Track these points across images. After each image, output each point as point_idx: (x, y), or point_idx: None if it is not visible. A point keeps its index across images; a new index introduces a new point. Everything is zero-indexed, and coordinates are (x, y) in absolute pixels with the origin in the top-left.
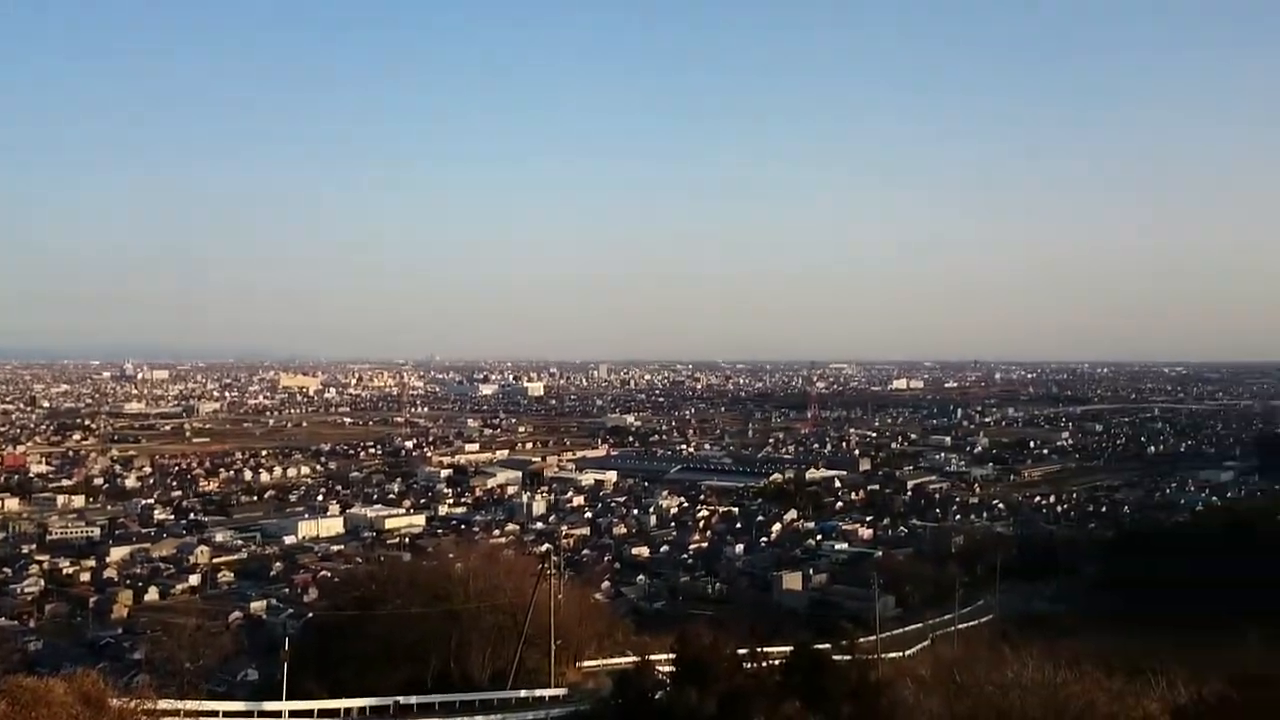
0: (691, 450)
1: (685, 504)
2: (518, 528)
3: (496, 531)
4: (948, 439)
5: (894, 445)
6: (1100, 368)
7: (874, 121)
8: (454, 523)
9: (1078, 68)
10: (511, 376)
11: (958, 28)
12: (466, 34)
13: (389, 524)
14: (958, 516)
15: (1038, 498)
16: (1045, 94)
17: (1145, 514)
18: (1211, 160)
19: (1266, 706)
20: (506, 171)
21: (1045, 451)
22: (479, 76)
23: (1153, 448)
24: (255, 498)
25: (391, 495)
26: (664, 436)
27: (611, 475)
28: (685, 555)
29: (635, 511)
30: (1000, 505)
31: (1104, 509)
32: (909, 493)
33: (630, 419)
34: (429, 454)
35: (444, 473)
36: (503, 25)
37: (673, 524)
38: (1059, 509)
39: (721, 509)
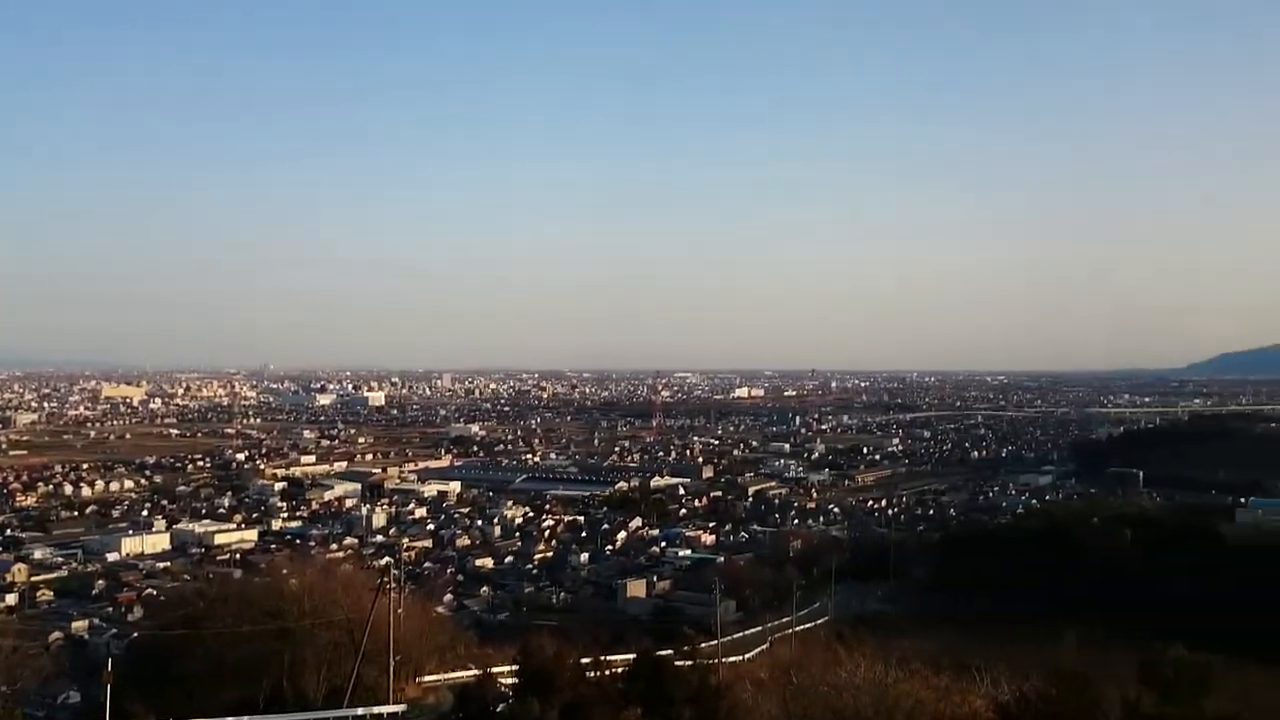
0: (537, 460)
1: (530, 514)
2: (356, 541)
3: (334, 546)
4: (787, 446)
5: (736, 452)
6: (928, 376)
7: (707, 129)
8: (288, 537)
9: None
10: (351, 386)
11: None
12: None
13: (219, 539)
14: (796, 521)
15: (870, 501)
16: (859, 104)
17: (970, 517)
18: (1027, 178)
19: (1080, 702)
20: (334, 172)
21: (878, 457)
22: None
23: (976, 453)
24: (76, 513)
25: (221, 510)
26: (509, 446)
27: (455, 486)
28: (530, 566)
29: (479, 522)
30: (836, 509)
31: (932, 512)
32: (750, 499)
33: (475, 429)
34: (262, 466)
35: (278, 486)
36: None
37: (518, 534)
38: (890, 512)
39: (567, 518)
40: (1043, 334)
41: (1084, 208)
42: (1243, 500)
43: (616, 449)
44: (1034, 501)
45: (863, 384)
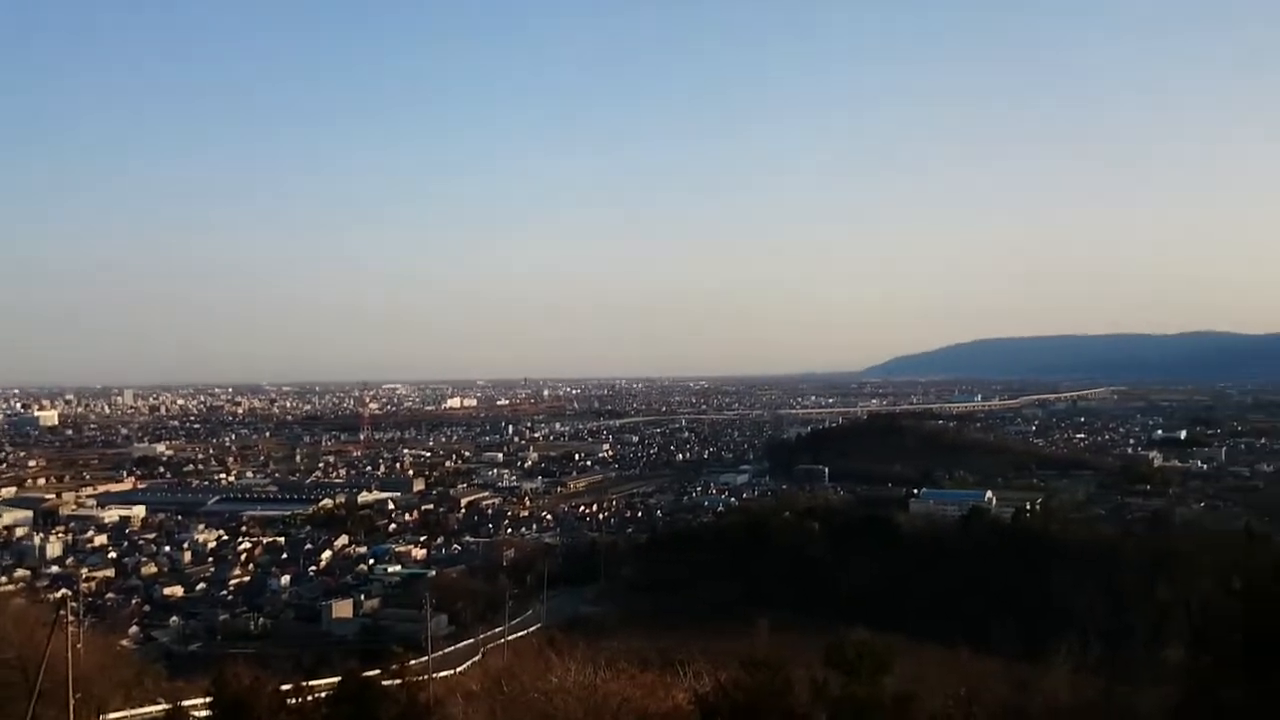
0: (232, 479)
1: (225, 537)
2: (29, 573)
3: (3, 578)
4: (500, 455)
5: (448, 464)
6: (636, 383)
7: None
8: None
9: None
10: (19, 404)
11: None
12: None
13: None
14: (509, 530)
15: (582, 507)
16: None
17: (675, 517)
18: (720, 197)
19: (772, 688)
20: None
21: (589, 463)
22: None
23: (681, 455)
24: None
25: None
26: (200, 466)
27: (140, 510)
28: (225, 592)
29: (168, 548)
30: (548, 516)
31: (640, 514)
32: (463, 510)
33: (161, 448)
34: None
35: None
36: None
37: (210, 559)
38: (601, 516)
39: (266, 540)
40: (740, 341)
41: (760, 224)
42: (915, 491)
43: (320, 465)
44: (732, 500)
45: (574, 391)
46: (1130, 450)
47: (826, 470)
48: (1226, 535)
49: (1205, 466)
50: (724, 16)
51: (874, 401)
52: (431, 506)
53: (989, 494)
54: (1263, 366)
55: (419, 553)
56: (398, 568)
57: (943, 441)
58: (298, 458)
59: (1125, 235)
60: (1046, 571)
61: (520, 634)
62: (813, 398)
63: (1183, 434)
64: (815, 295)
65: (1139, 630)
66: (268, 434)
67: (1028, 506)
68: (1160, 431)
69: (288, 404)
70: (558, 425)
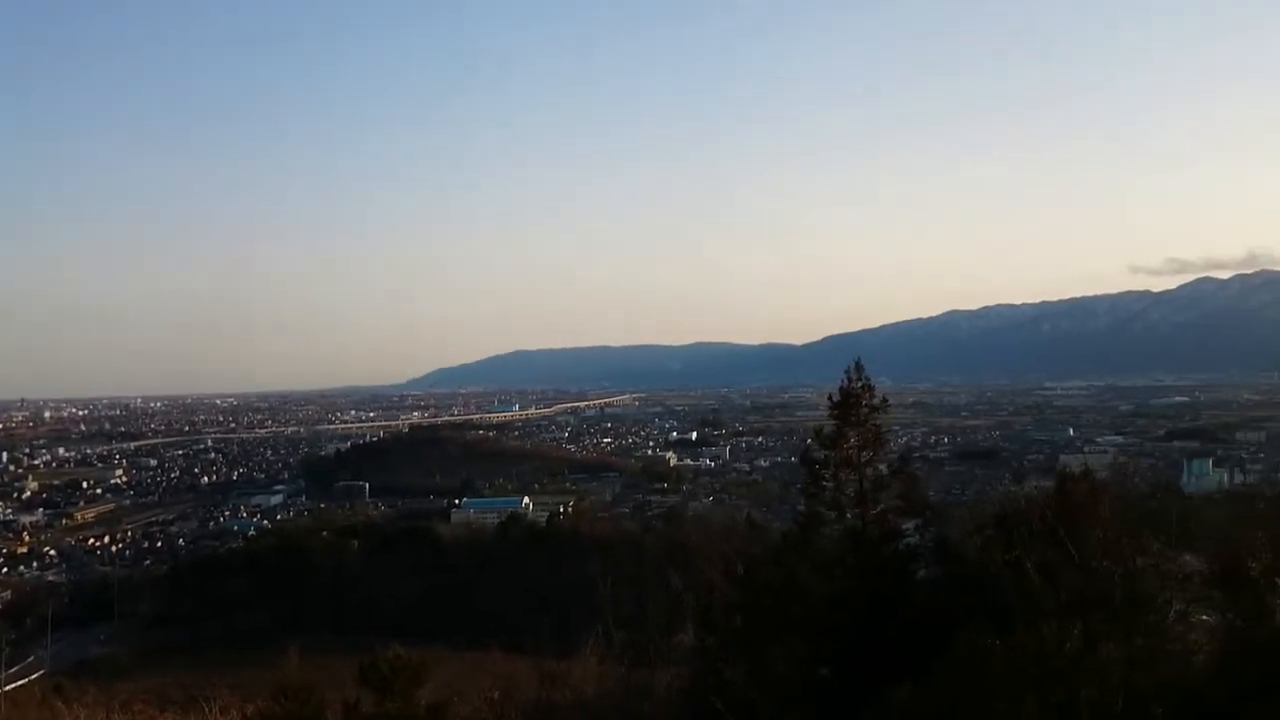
0: None
1: None
2: None
3: None
4: None
5: None
6: (154, 401)
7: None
8: None
9: None
10: None
11: None
12: None
13: None
14: (4, 570)
15: (93, 540)
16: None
17: (200, 544)
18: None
19: (304, 713)
20: None
21: (100, 491)
22: None
23: (207, 478)
24: None
25: None
26: None
27: None
28: None
29: None
30: (51, 552)
31: (160, 544)
32: None
33: None
34: None
35: None
36: None
37: None
38: (114, 549)
39: None
40: (269, 356)
41: (290, 232)
42: (457, 502)
43: None
44: (266, 522)
45: (81, 412)
46: (650, 451)
47: (367, 486)
48: (731, 526)
49: (713, 464)
50: None
51: (416, 414)
52: None
53: (526, 500)
54: (758, 373)
55: None
56: None
57: (483, 451)
58: None
59: (648, 254)
60: (578, 570)
61: (20, 683)
62: (353, 412)
63: (694, 435)
64: (354, 308)
65: (657, 618)
66: None
67: (561, 509)
68: (675, 434)
69: None
70: (61, 450)
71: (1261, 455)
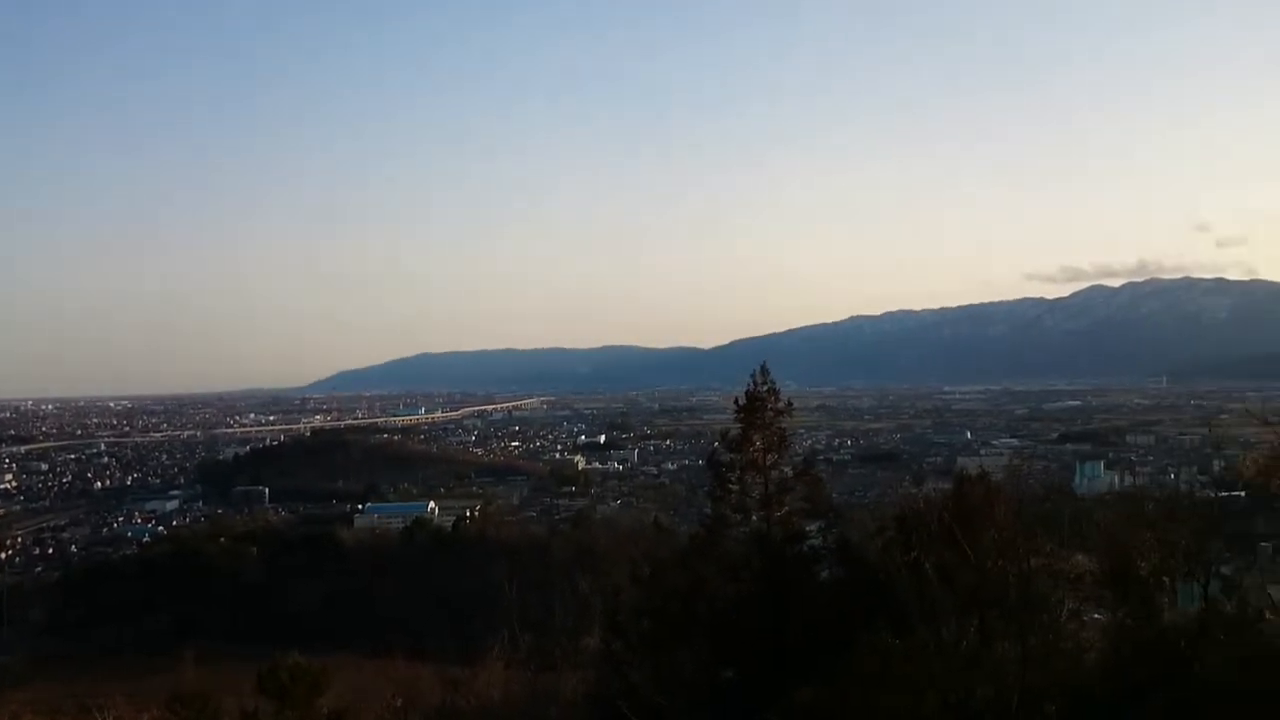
0: None
1: None
2: None
3: None
4: None
5: None
6: (46, 404)
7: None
8: None
9: None
10: None
11: None
12: None
13: None
14: None
15: None
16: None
17: (93, 551)
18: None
19: None
20: None
21: None
22: None
23: (100, 483)
24: None
25: None
26: None
27: None
28: None
29: None
30: None
31: (51, 550)
32: None
33: None
34: None
35: None
36: None
37: None
38: (3, 555)
39: None
40: (168, 356)
41: (198, 226)
42: (360, 506)
43: None
44: (161, 528)
45: None
46: (558, 455)
47: (267, 491)
48: (638, 529)
49: (621, 467)
50: None
51: (319, 417)
52: None
53: (432, 504)
54: (666, 376)
55: None
56: None
57: (387, 455)
58: None
59: (554, 256)
60: (485, 574)
61: None
62: (253, 415)
63: (602, 438)
64: (254, 307)
65: (564, 622)
66: None
67: (467, 513)
68: (584, 437)
69: None
70: None
71: (1150, 458)
